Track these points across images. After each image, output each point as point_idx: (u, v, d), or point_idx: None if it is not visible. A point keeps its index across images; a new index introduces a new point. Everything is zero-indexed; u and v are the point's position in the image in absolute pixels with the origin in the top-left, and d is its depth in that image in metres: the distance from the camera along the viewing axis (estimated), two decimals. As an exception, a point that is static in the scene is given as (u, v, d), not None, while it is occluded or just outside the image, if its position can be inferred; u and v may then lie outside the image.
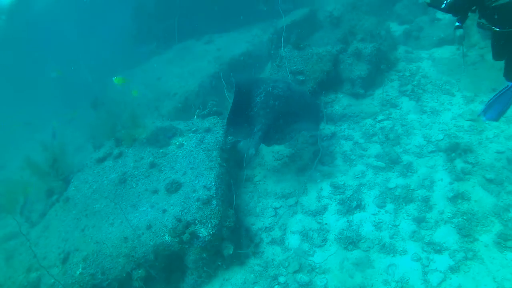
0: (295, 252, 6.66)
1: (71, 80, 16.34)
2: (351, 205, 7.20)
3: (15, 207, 8.29)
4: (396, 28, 12.13)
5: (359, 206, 7.17)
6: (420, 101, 9.15)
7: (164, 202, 6.94)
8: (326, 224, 7.04)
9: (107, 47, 18.02)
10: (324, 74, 9.81)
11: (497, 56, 5.85)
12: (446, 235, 6.28)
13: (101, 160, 8.43)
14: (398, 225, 6.69)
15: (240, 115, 7.51)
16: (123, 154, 8.40)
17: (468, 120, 8.22)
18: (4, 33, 22.05)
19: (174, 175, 7.48)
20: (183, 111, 10.73)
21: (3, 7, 21.76)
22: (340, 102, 9.75)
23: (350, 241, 6.61)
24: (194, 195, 6.89)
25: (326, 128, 8.97)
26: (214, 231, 6.37)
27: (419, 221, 6.62)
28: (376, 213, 6.99)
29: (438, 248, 6.12)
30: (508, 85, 6.05)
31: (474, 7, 5.56)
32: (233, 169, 8.13)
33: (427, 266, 5.95)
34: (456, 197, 6.76)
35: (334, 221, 7.06)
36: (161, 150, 8.21)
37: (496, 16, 5.32)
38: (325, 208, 7.33)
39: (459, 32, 6.08)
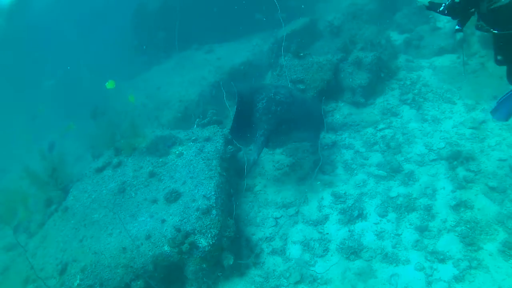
0: (296, 262, 6.57)
1: (69, 89, 16.31)
2: (352, 214, 7.12)
3: (14, 217, 8.21)
4: (397, 37, 12.11)
5: (361, 216, 7.09)
6: (421, 109, 9.10)
7: (164, 212, 6.86)
8: (328, 233, 6.96)
9: (107, 57, 17.99)
10: (324, 83, 9.78)
11: (499, 60, 5.78)
12: (449, 244, 6.19)
13: (100, 169, 8.37)
14: (401, 234, 6.60)
15: (243, 123, 7.46)
16: (122, 164, 8.34)
17: (469, 128, 8.16)
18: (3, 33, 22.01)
19: (173, 184, 7.41)
20: (183, 121, 10.68)
21: (3, 7, 21.75)
22: (341, 111, 9.72)
23: (352, 251, 6.51)
24: (193, 204, 6.82)
25: (327, 137, 8.91)
26: (214, 241, 6.29)
27: (422, 230, 6.53)
28: (378, 222, 6.91)
29: (442, 257, 6.02)
30: None
31: (473, 10, 5.52)
32: (233, 179, 8.06)
33: (431, 275, 5.86)
34: (459, 206, 6.68)
35: (335, 230, 6.97)
36: (160, 159, 8.15)
37: (494, 18, 5.29)
38: (326, 217, 7.25)
39: (459, 35, 6.03)
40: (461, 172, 7.30)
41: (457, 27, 5.98)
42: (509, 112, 6.05)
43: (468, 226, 6.34)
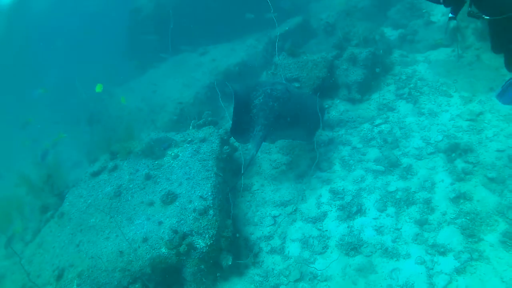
0: (296, 260, 6.49)
1: (63, 97, 16.26)
2: (351, 210, 7.05)
3: (9, 226, 8.12)
4: (391, 33, 12.08)
5: (360, 211, 7.02)
6: (418, 103, 9.04)
7: (160, 214, 6.78)
8: (327, 230, 6.88)
9: (102, 63, 17.96)
10: (319, 81, 9.72)
11: (495, 48, 5.72)
12: (450, 236, 6.11)
13: (96, 174, 8.29)
14: (400, 228, 6.53)
15: (242, 122, 7.47)
16: (118, 167, 8.26)
17: (466, 120, 8.10)
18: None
19: (169, 186, 7.34)
20: (179, 123, 10.63)
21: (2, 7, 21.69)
22: (337, 108, 9.66)
23: (352, 246, 6.44)
24: (190, 205, 6.75)
25: (324, 134, 8.84)
26: (211, 241, 6.23)
27: (422, 223, 6.46)
28: (377, 217, 6.83)
29: (442, 250, 5.95)
30: None
31: None
32: (230, 179, 7.99)
33: (432, 269, 5.78)
34: (458, 198, 6.61)
35: (334, 227, 6.89)
36: (156, 162, 8.08)
37: (485, 4, 5.26)
38: (324, 214, 7.17)
39: (453, 23, 6.00)
40: (459, 164, 7.24)
41: (450, 15, 5.94)
42: None
43: (468, 217, 6.27)
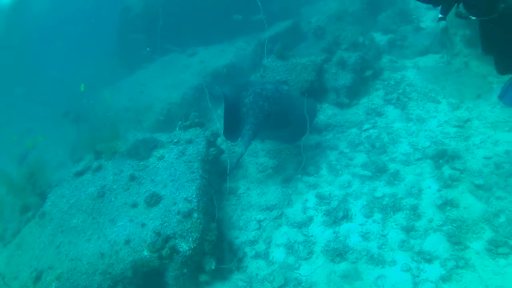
0: (280, 265, 6.39)
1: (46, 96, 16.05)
2: (337, 215, 6.97)
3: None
4: (380, 38, 12.07)
5: (346, 217, 6.94)
6: (406, 109, 9.02)
7: (144, 216, 6.66)
8: (312, 236, 6.79)
9: (91, 62, 17.76)
10: (308, 84, 9.68)
11: (485, 48, 5.72)
12: (436, 243, 6.06)
13: (80, 173, 8.13)
14: (387, 234, 6.47)
15: (233, 122, 7.49)
16: (103, 167, 8.11)
17: (454, 127, 8.09)
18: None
19: (154, 187, 7.22)
20: (166, 124, 10.48)
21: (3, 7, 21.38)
22: (325, 112, 9.62)
23: (337, 253, 6.35)
24: (174, 208, 6.63)
25: (311, 138, 8.78)
26: (195, 245, 6.11)
27: (408, 230, 6.40)
28: (364, 223, 6.76)
29: (428, 257, 5.89)
30: None
31: None
32: (216, 181, 7.88)
33: (418, 276, 5.71)
34: (445, 204, 6.57)
35: (320, 232, 6.81)
36: (141, 163, 7.95)
37: (472, 4, 5.25)
38: (310, 219, 7.09)
39: (442, 24, 5.98)
40: (446, 170, 7.21)
41: (440, 15, 5.91)
42: None
43: (454, 225, 6.23)
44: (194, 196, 6.80)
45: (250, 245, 6.84)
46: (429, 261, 5.86)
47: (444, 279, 5.55)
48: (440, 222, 6.36)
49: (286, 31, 12.81)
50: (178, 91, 11.55)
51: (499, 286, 5.24)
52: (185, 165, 7.54)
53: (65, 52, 21.10)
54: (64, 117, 11.62)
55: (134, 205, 6.96)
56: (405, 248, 6.16)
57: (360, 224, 6.76)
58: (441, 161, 7.39)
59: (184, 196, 6.83)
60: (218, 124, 9.27)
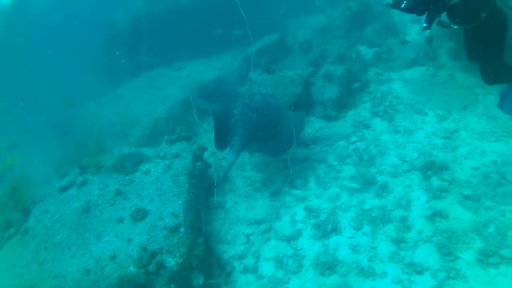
0: (269, 280, 6.29)
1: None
2: (326, 228, 6.90)
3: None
4: (366, 51, 12.15)
5: (335, 230, 6.88)
6: (393, 121, 9.04)
7: (130, 231, 6.52)
8: (301, 249, 6.71)
9: (77, 76, 17.60)
10: (295, 97, 9.68)
11: (470, 56, 5.80)
12: (426, 255, 6.02)
13: (64, 188, 7.95)
14: (376, 247, 6.41)
15: (224, 134, 7.56)
16: (88, 182, 7.96)
17: (441, 138, 8.12)
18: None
19: (140, 202, 7.09)
20: (152, 138, 10.38)
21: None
22: (312, 125, 9.61)
23: (327, 266, 6.28)
24: (161, 222, 6.50)
25: (299, 152, 8.74)
26: (182, 260, 5.97)
27: (398, 242, 6.36)
28: (353, 236, 6.70)
29: (419, 268, 5.84)
30: None
31: (431, 6, 5.58)
32: (202, 195, 7.78)
33: (409, 288, 5.66)
34: (435, 215, 6.55)
35: (309, 246, 6.73)
36: (127, 177, 7.82)
37: (454, 14, 5.34)
38: (299, 233, 7.01)
39: (427, 33, 6.03)
40: (435, 182, 7.21)
41: (424, 24, 5.96)
42: None
43: (444, 236, 6.20)
44: (181, 210, 6.69)
45: (238, 260, 6.74)
46: (420, 272, 5.82)
47: (436, 291, 5.51)
48: (430, 233, 6.33)
49: (272, 44, 12.86)
50: (165, 105, 11.47)
51: (491, 296, 5.22)
52: (172, 180, 7.43)
53: (54, 61, 20.83)
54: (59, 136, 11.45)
55: (120, 220, 6.82)
56: (396, 260, 6.11)
57: (350, 237, 6.70)
58: (429, 172, 7.39)
59: (170, 210, 6.71)
60: (204, 138, 9.18)
